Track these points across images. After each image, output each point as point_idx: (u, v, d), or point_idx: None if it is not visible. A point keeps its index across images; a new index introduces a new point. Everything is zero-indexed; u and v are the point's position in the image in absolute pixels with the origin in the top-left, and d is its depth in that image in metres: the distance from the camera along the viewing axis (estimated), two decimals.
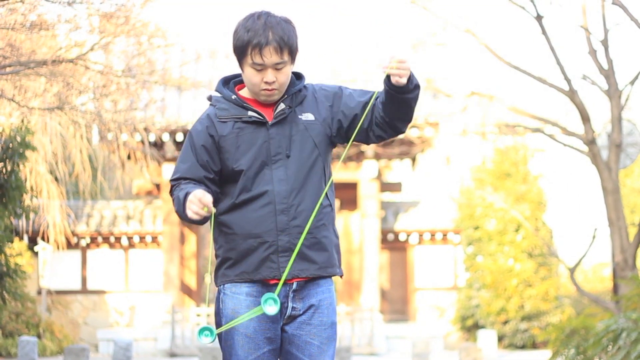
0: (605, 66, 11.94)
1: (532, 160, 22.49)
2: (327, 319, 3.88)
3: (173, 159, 21.72)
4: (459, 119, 18.42)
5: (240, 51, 3.76)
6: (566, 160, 32.18)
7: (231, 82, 3.95)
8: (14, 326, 19.15)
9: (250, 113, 3.82)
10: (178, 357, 20.30)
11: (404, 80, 3.66)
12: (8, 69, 12.43)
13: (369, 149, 21.71)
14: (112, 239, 22.87)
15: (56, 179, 21.67)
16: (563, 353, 10.18)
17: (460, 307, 22.24)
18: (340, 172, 21.98)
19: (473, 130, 18.57)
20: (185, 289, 22.94)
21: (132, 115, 16.38)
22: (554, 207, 28.76)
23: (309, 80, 4.03)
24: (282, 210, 3.77)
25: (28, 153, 14.08)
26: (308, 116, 3.86)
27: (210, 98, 3.93)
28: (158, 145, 21.72)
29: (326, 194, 3.86)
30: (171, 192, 3.86)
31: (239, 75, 3.96)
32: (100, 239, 22.89)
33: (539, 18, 12.20)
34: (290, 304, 3.83)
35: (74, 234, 22.42)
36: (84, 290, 23.01)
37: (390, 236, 23.35)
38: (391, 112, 3.79)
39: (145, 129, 20.21)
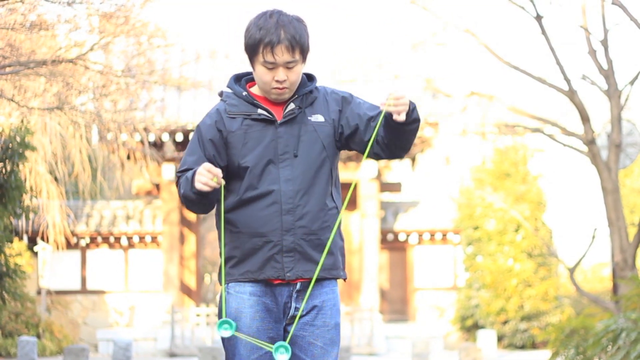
0: (605, 66, 11.94)
1: (532, 160, 22.48)
2: (331, 320, 3.86)
3: (173, 159, 21.72)
4: (459, 119, 18.38)
5: (252, 49, 3.76)
6: (566, 160, 32.18)
7: (243, 79, 3.95)
8: (13, 326, 19.14)
9: (259, 111, 3.82)
10: (178, 357, 20.29)
11: (402, 117, 3.68)
12: (8, 69, 12.42)
13: None
14: (111, 239, 22.87)
15: (56, 179, 21.66)
16: (563, 353, 10.18)
17: (459, 307, 22.23)
18: (340, 172, 21.94)
19: (473, 130, 18.53)
20: (185, 289, 22.92)
21: (132, 116, 16.36)
22: (553, 207, 28.78)
23: None
24: (288, 210, 3.77)
25: (28, 153, 14.09)
26: (318, 117, 3.86)
27: (221, 93, 3.93)
28: (158, 145, 21.71)
29: (332, 196, 3.87)
30: (177, 184, 3.84)
31: (251, 73, 3.95)
32: (99, 239, 22.89)
33: (538, 18, 12.20)
34: (293, 304, 3.83)
35: (73, 234, 22.41)
36: (84, 291, 23.01)
37: (390, 236, 23.35)
38: (390, 139, 3.81)
39: (145, 129, 20.18)
